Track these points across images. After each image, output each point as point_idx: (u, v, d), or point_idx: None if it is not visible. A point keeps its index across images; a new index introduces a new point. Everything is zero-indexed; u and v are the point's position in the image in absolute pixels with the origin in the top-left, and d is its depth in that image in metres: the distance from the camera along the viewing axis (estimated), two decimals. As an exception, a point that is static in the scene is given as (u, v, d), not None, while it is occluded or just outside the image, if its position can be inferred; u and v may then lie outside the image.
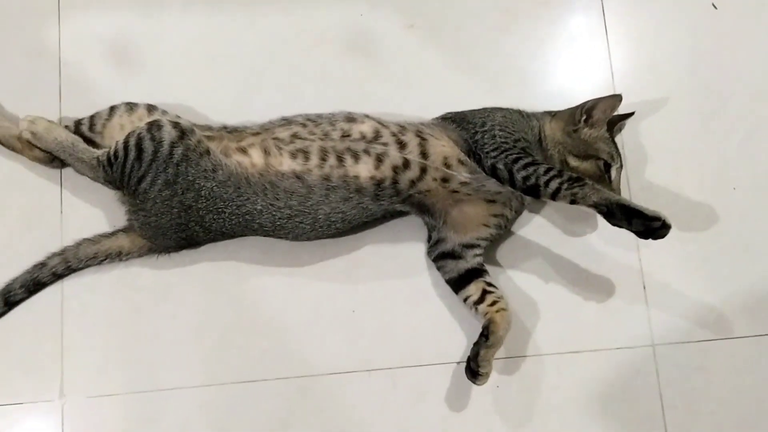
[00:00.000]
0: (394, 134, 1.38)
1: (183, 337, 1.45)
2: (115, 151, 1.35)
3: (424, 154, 1.37)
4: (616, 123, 1.50)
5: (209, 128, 1.45)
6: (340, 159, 1.34)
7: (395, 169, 1.35)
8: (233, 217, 1.37)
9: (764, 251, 1.52)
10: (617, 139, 1.52)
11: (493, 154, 1.35)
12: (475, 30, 1.59)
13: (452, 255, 1.43)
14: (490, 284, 1.42)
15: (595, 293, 1.50)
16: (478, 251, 1.44)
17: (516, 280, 1.50)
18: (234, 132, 1.43)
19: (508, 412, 1.45)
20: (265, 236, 1.42)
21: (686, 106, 1.57)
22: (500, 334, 1.35)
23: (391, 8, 1.59)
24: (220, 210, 1.36)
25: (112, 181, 1.38)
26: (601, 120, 1.43)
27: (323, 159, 1.35)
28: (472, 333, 1.43)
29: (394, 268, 1.50)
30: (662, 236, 1.29)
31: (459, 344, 1.47)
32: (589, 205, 1.29)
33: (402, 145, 1.37)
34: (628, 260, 1.51)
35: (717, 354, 1.48)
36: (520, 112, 1.46)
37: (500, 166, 1.34)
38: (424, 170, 1.36)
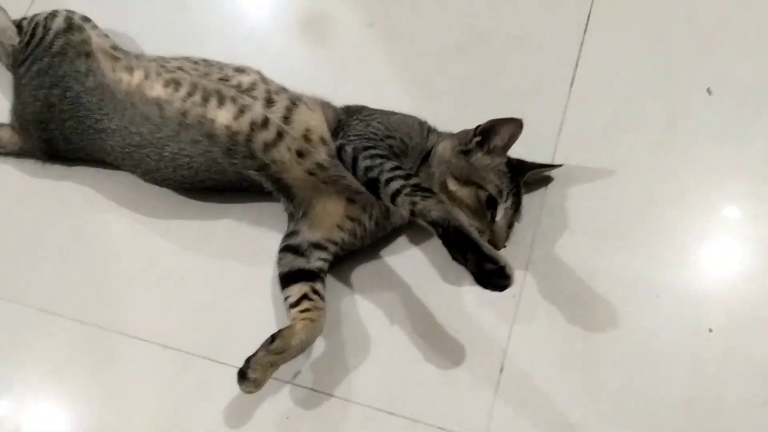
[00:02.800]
0: (268, 92, 1.26)
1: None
2: (22, 33, 1.35)
3: (286, 119, 1.23)
4: (534, 168, 1.26)
5: (130, 54, 1.40)
6: (205, 99, 1.24)
7: (252, 125, 1.22)
8: (90, 132, 1.30)
9: (655, 373, 1.17)
10: (538, 195, 1.28)
11: (351, 137, 1.18)
12: (434, 45, 1.45)
13: (296, 250, 1.24)
14: (316, 292, 1.21)
15: (442, 355, 1.22)
16: (324, 255, 1.24)
17: (360, 308, 1.27)
18: (140, 57, 1.38)
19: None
20: (116, 166, 1.34)
21: (630, 188, 1.30)
22: (290, 342, 1.13)
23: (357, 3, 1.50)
24: (80, 119, 1.30)
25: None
26: (498, 147, 1.21)
27: (190, 94, 1.25)
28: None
29: (244, 250, 1.34)
30: (499, 287, 1.03)
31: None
32: (428, 222, 1.07)
33: (269, 103, 1.24)
34: (496, 332, 1.23)
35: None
36: (422, 123, 1.28)
37: (348, 148, 1.16)
38: (280, 135, 1.22)
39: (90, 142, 1.32)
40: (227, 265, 1.33)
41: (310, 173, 1.22)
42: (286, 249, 1.26)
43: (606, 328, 1.21)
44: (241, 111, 1.23)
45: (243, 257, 1.33)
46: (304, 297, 1.20)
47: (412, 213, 1.08)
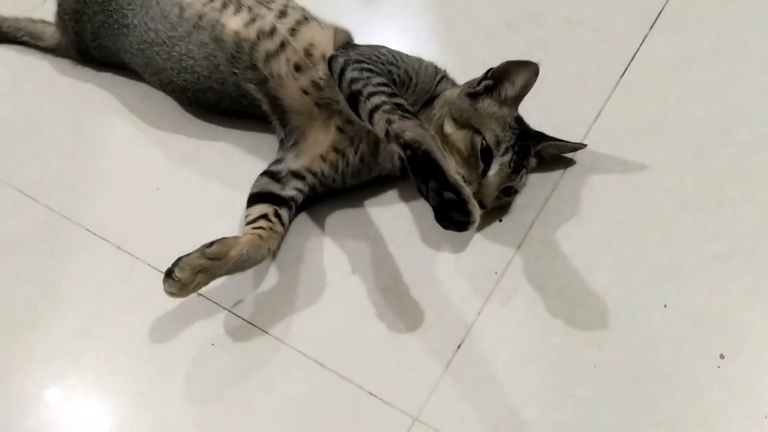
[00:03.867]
0: (285, 5, 1.20)
1: None
2: None
3: (293, 31, 1.16)
4: (552, 141, 1.11)
5: None
6: (224, 5, 1.21)
7: (260, 33, 1.16)
8: (115, 27, 1.30)
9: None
10: (553, 177, 1.13)
11: (350, 53, 1.09)
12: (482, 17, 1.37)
13: (274, 176, 1.16)
14: (278, 216, 1.10)
15: (397, 317, 1.06)
16: (300, 185, 1.14)
17: (326, 250, 1.15)
18: None
19: (200, 375, 1.06)
20: (129, 64, 1.33)
21: (662, 188, 1.11)
22: (229, 252, 1.02)
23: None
24: (109, 13, 1.30)
25: None
26: (509, 97, 1.07)
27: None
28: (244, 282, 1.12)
29: (229, 174, 1.26)
30: (458, 225, 0.90)
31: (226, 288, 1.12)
32: (401, 145, 0.94)
33: (282, 15, 1.18)
34: (465, 305, 1.06)
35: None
36: (438, 69, 1.18)
37: (340, 59, 1.07)
38: (283, 46, 1.15)
39: (113, 38, 1.31)
40: (207, 185, 1.25)
41: (305, 91, 1.14)
42: (265, 173, 1.17)
43: (593, 328, 1.01)
44: (253, 20, 1.18)
45: (226, 180, 1.25)
46: (263, 217, 1.09)
47: (387, 134, 0.97)
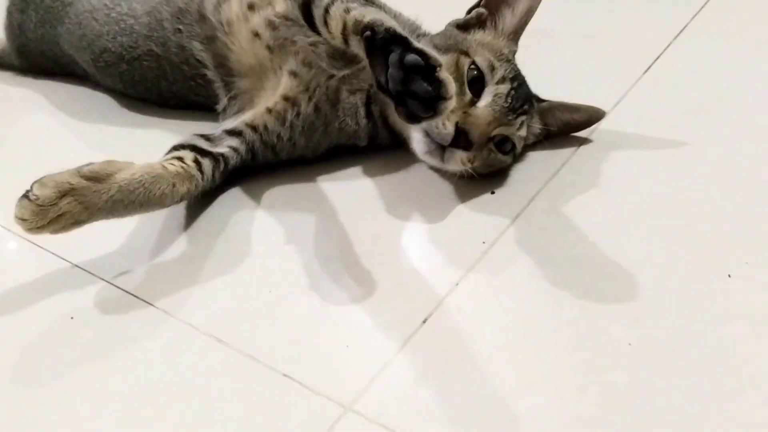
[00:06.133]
0: None
1: None
2: None
3: None
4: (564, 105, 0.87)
5: None
6: None
7: None
8: (59, 8, 1.14)
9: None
10: (564, 154, 0.87)
11: None
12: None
13: (206, 137, 0.91)
14: (197, 163, 0.84)
15: (340, 288, 0.74)
16: (235, 143, 0.90)
17: (255, 222, 0.86)
18: None
19: (42, 352, 0.72)
20: (65, 51, 1.16)
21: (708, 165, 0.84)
22: (113, 174, 0.75)
23: None
24: None
25: None
26: (510, 25, 0.86)
27: None
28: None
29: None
30: (424, 101, 0.66)
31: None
32: (359, 30, 0.72)
33: None
34: (440, 276, 0.74)
35: None
36: (418, 26, 0.96)
37: None
38: None
39: (54, 22, 1.14)
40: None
41: (256, 34, 0.93)
42: (195, 134, 0.91)
43: (625, 300, 0.68)
44: (209, -33, 1.01)
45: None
46: (178, 158, 0.82)
47: (344, 27, 0.74)
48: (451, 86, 0.65)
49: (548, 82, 0.92)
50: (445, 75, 0.65)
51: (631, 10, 1.21)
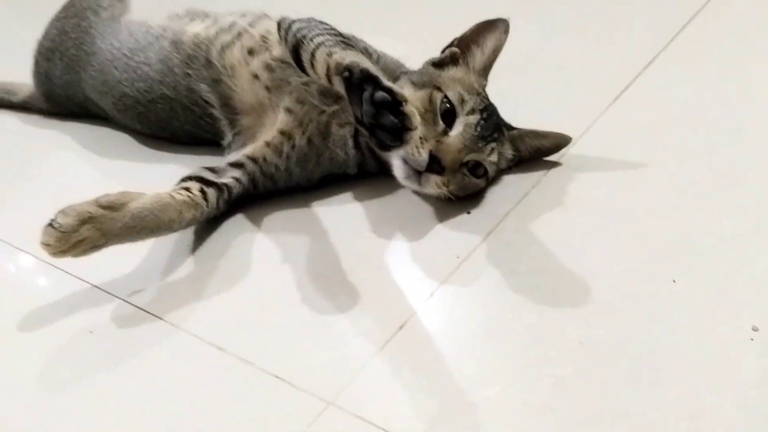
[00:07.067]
0: (248, 12, 1.13)
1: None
2: None
3: (251, 24, 1.09)
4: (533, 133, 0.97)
5: None
6: (191, 19, 1.16)
7: (219, 32, 1.10)
8: (83, 56, 1.24)
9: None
10: (534, 177, 0.96)
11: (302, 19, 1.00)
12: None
13: (211, 168, 1.01)
14: (203, 192, 0.94)
15: (327, 300, 0.83)
16: (238, 174, 0.99)
17: (255, 244, 0.95)
18: None
19: (65, 361, 0.82)
20: (87, 96, 1.26)
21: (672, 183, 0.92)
22: (128, 203, 0.85)
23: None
24: (80, 44, 1.26)
25: None
26: (479, 62, 0.95)
27: (179, 17, 1.18)
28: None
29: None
30: (392, 131, 0.75)
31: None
32: (340, 71, 0.82)
33: (242, 16, 1.12)
34: (417, 288, 0.83)
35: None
36: (401, 65, 1.06)
37: (289, 19, 0.98)
38: (239, 35, 1.07)
39: (79, 69, 1.25)
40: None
41: (255, 76, 1.03)
42: (202, 167, 1.01)
43: (578, 305, 0.76)
44: (215, 23, 1.12)
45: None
46: (185, 188, 0.93)
47: (328, 70, 0.84)
48: (416, 119, 0.74)
49: (523, 110, 1.02)
50: (410, 109, 0.74)
51: (603, 40, 1.29)
